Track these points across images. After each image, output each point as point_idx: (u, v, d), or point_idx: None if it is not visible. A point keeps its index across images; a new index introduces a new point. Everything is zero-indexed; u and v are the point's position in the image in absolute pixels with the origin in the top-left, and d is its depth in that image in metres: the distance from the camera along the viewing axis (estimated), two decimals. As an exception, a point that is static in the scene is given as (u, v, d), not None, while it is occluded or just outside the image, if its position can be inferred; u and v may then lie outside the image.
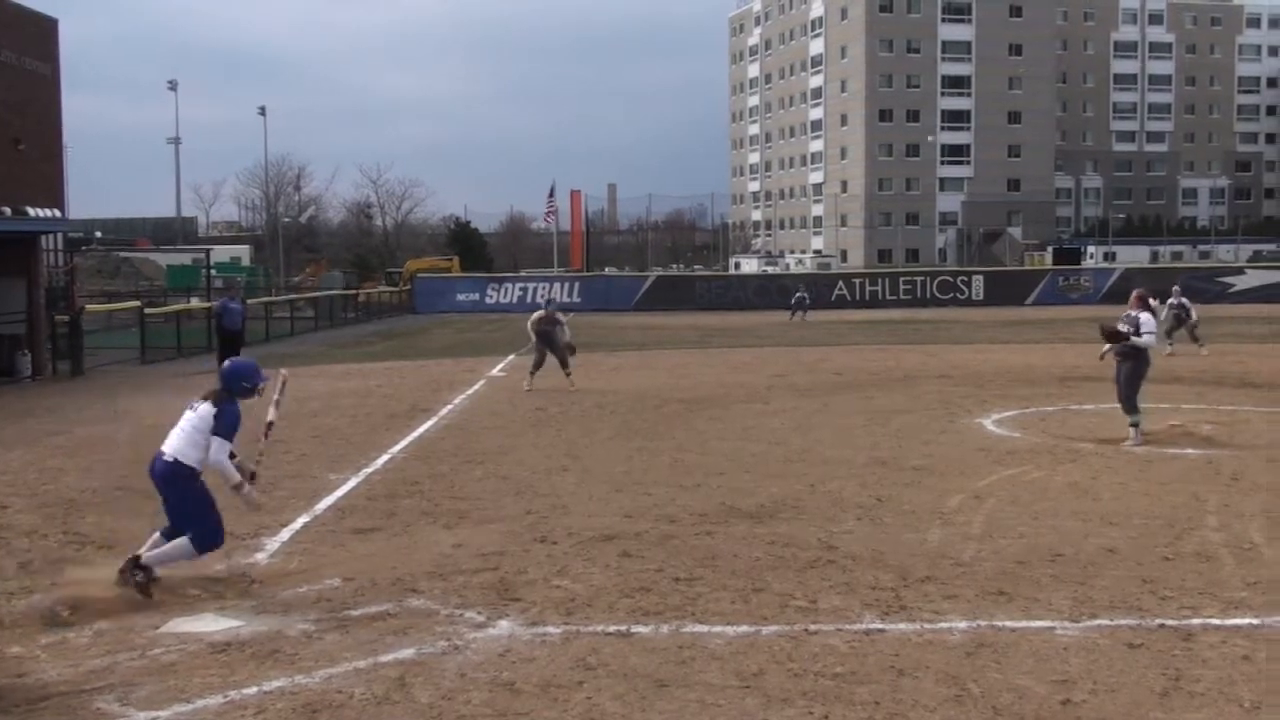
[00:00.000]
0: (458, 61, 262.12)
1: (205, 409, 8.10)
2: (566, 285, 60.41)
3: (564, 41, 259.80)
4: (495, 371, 26.05)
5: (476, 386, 22.59)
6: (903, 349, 31.44)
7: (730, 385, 22.16)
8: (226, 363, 8.54)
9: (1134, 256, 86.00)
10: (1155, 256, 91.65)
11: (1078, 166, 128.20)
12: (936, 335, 37.09)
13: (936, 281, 60.62)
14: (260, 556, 9.10)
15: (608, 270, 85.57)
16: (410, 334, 41.97)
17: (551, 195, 74.30)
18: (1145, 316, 14.64)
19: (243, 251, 73.26)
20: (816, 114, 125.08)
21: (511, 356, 29.77)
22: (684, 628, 7.18)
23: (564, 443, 15.18)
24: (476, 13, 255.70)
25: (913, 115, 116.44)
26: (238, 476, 8.16)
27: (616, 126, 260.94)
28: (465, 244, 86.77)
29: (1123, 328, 14.55)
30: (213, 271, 46.36)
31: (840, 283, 61.28)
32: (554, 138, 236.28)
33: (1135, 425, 14.34)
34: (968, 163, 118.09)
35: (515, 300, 59.29)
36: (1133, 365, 14.51)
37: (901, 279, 61.85)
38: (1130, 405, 14.45)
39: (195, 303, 37.36)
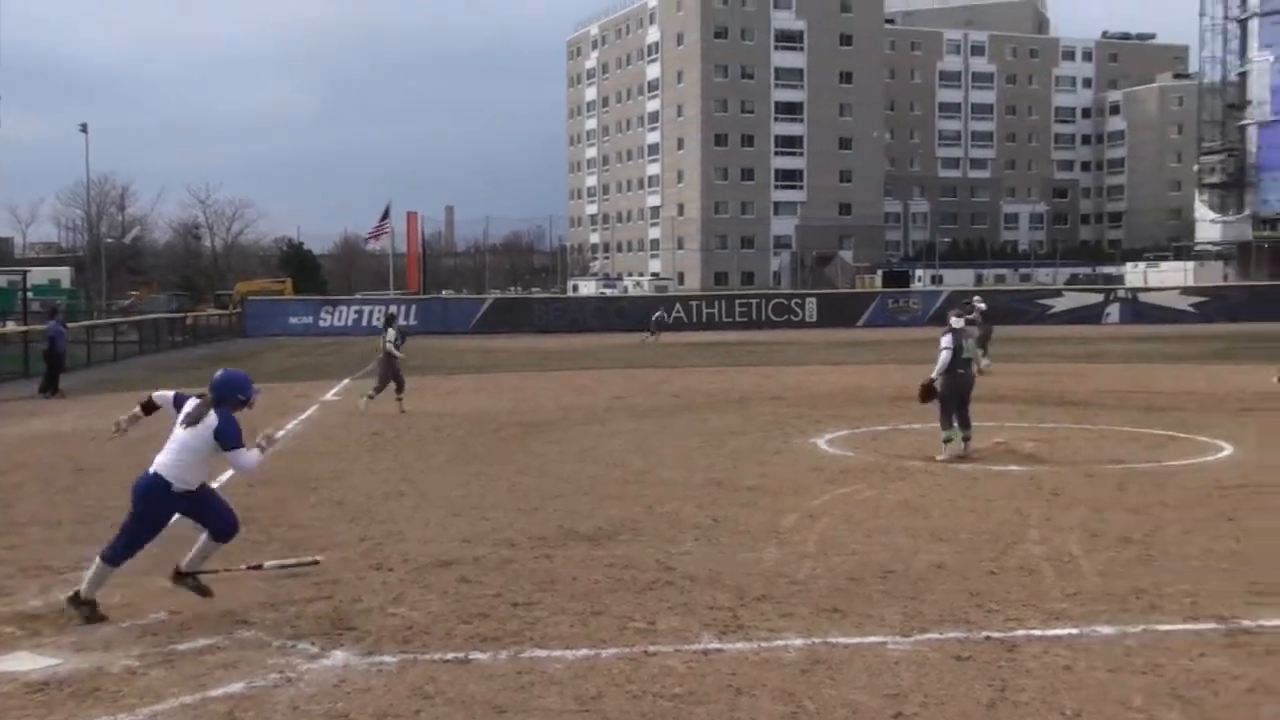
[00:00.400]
0: (291, 81, 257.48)
1: (201, 427, 7.85)
2: (403, 308, 59.69)
3: (402, 62, 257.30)
4: (329, 395, 25.57)
5: (310, 411, 22.14)
6: (739, 371, 31.85)
7: (569, 408, 22.16)
8: (219, 373, 8.22)
9: (959, 279, 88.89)
10: (979, 279, 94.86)
11: (906, 192, 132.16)
12: (771, 357, 37.70)
13: (771, 304, 61.71)
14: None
15: (445, 293, 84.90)
16: (241, 358, 40.92)
17: (385, 216, 73.34)
18: (945, 337, 15.17)
19: (63, 273, 70.50)
20: (653, 138, 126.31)
21: (347, 380, 29.27)
22: (523, 653, 7.12)
23: (400, 467, 14.99)
24: (311, 30, 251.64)
25: (747, 140, 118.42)
26: (262, 456, 8.13)
27: (455, 148, 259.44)
28: (298, 266, 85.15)
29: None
30: (29, 294, 44.50)
31: (678, 305, 61.87)
32: (391, 159, 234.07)
33: (946, 441, 14.82)
34: (801, 187, 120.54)
35: (350, 323, 58.39)
36: (943, 383, 15.01)
37: (737, 301, 62.78)
38: (943, 422, 14.94)
39: (12, 326, 35.84)
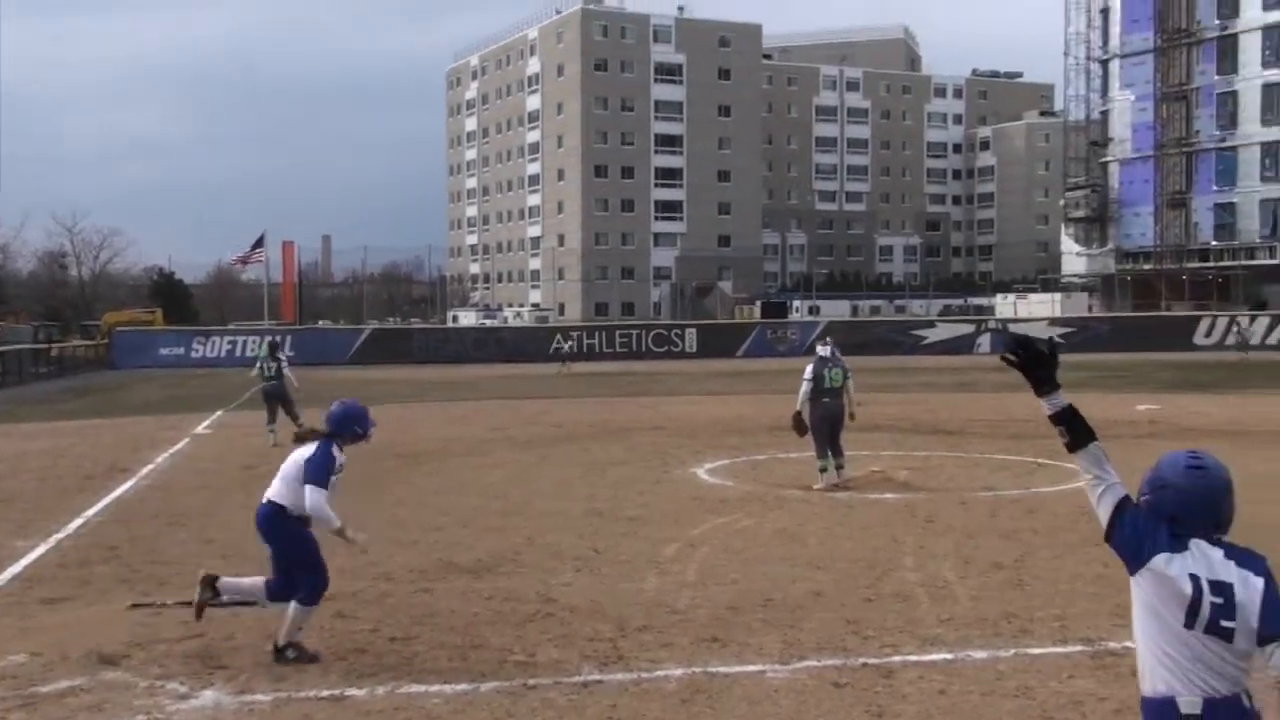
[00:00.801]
0: (163, 108, 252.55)
1: (300, 453, 7.69)
2: (279, 338, 58.61)
3: (278, 90, 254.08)
4: (201, 429, 25.03)
5: (181, 445, 21.66)
6: (620, 401, 31.91)
7: (448, 439, 21.99)
8: (335, 404, 8.04)
9: (836, 310, 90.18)
10: (855, 310, 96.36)
11: (783, 224, 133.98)
12: (652, 387, 37.85)
13: (651, 334, 62.00)
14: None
15: (321, 323, 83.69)
16: (108, 390, 39.88)
17: (259, 245, 72.13)
18: (807, 367, 15.43)
19: (-82, 303, 68.00)
20: (534, 169, 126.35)
21: (220, 413, 28.69)
22: (400, 688, 7.02)
23: (275, 501, 14.67)
24: (184, 55, 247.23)
25: (627, 172, 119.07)
26: (336, 520, 7.62)
27: (332, 178, 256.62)
28: (169, 296, 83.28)
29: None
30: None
31: (558, 336, 61.80)
32: (267, 188, 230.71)
33: (822, 471, 15.03)
34: (681, 219, 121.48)
35: (223, 354, 57.20)
36: (810, 413, 15.15)
37: (618, 332, 62.94)
38: (818, 452, 15.12)
39: None
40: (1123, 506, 3.69)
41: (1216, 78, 76.05)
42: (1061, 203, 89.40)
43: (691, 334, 62.20)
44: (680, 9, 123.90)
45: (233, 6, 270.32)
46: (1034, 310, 74.22)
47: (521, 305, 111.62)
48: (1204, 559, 3.52)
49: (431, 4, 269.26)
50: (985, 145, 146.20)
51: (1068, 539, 11.52)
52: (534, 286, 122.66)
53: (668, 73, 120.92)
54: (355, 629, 8.42)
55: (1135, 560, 3.58)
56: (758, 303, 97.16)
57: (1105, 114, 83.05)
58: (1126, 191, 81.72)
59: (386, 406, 31.27)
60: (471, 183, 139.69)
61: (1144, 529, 3.60)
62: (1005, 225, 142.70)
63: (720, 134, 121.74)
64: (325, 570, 7.83)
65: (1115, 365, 45.73)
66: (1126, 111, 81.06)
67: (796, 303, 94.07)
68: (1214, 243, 76.91)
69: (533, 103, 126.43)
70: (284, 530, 7.69)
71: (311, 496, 7.53)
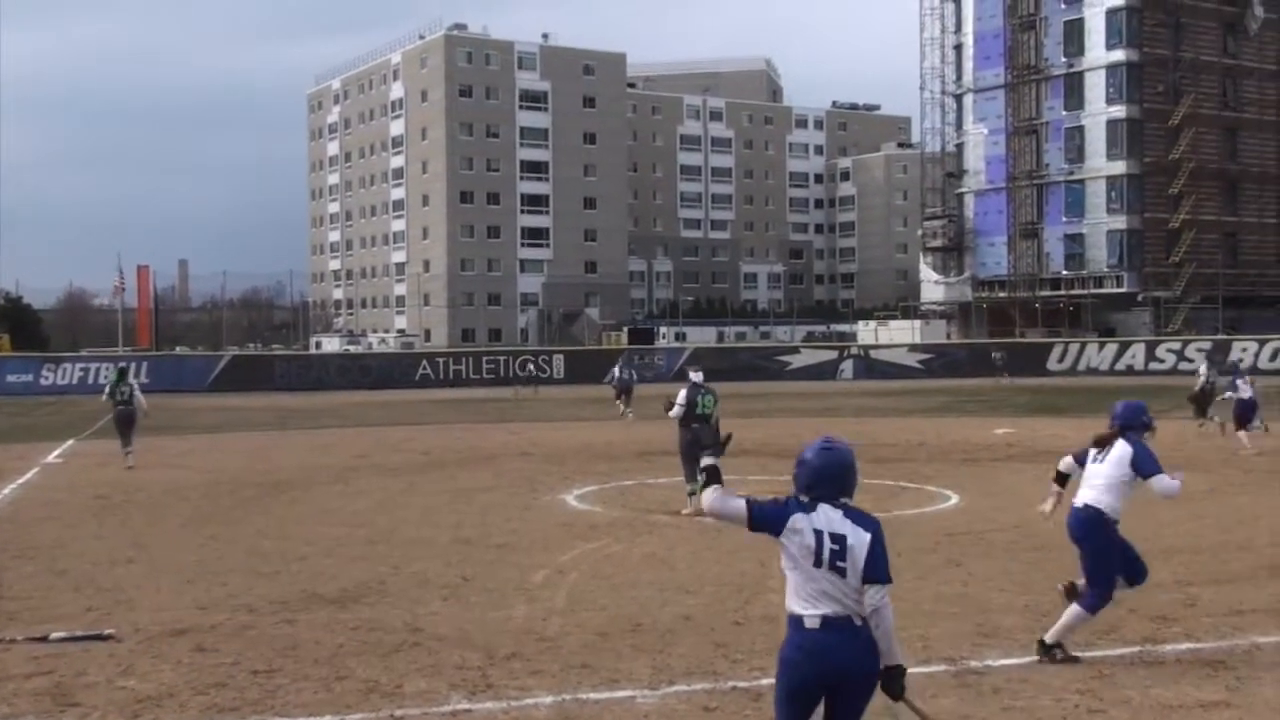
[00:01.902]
0: (9, 126, 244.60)
1: (1116, 454, 8.10)
2: (134, 365, 57.01)
3: (132, 108, 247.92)
4: (52, 458, 24.20)
5: (29, 475, 20.91)
6: (487, 427, 31.74)
7: (311, 467, 21.63)
8: (1118, 404, 8.53)
9: (702, 337, 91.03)
10: (721, 336, 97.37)
11: (649, 251, 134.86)
12: (519, 413, 37.72)
13: (519, 360, 61.74)
14: None
15: (178, 350, 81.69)
16: (-49, 419, 38.30)
17: (121, 271, 70.41)
18: (680, 393, 15.62)
19: None
20: (398, 194, 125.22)
21: (71, 441, 27.79)
22: (263, 723, 6.86)
23: (129, 532, 14.30)
24: (29, 70, 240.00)
25: (493, 198, 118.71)
26: (1178, 481, 8.19)
27: (189, 201, 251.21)
28: (16, 321, 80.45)
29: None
30: None
31: (424, 362, 61.23)
32: (120, 211, 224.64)
33: (691, 495, 15.06)
34: (547, 245, 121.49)
35: (75, 381, 55.39)
36: (680, 437, 15.51)
37: (485, 358, 62.56)
38: (686, 475, 15.20)
39: None
40: (751, 501, 4.98)
41: (1064, 113, 78.74)
42: (920, 232, 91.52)
43: (559, 360, 62.10)
44: (545, 36, 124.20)
45: (82, 26, 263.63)
46: (894, 337, 75.82)
47: (386, 331, 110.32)
48: (825, 517, 4.78)
49: (292, 25, 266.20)
50: (845, 176, 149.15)
51: (930, 560, 11.75)
52: (399, 312, 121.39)
53: (533, 99, 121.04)
54: (215, 662, 8.20)
55: (779, 526, 4.83)
56: (624, 329, 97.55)
57: (960, 146, 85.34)
58: (981, 221, 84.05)
59: (246, 434, 30.66)
60: (334, 207, 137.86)
61: (778, 506, 4.87)
62: (866, 253, 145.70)
63: (586, 161, 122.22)
64: (1113, 586, 8.15)
65: (972, 390, 46.92)
66: (980, 144, 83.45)
67: (663, 329, 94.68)
68: (1065, 272, 79.47)
69: (396, 127, 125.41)
70: (1098, 535, 8.09)
71: (1167, 485, 8.07)
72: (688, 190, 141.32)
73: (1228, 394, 24.08)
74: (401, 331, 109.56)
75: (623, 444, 25.40)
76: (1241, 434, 22.76)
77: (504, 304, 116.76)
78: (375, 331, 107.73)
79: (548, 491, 17.69)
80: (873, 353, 64.75)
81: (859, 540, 4.72)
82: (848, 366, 61.92)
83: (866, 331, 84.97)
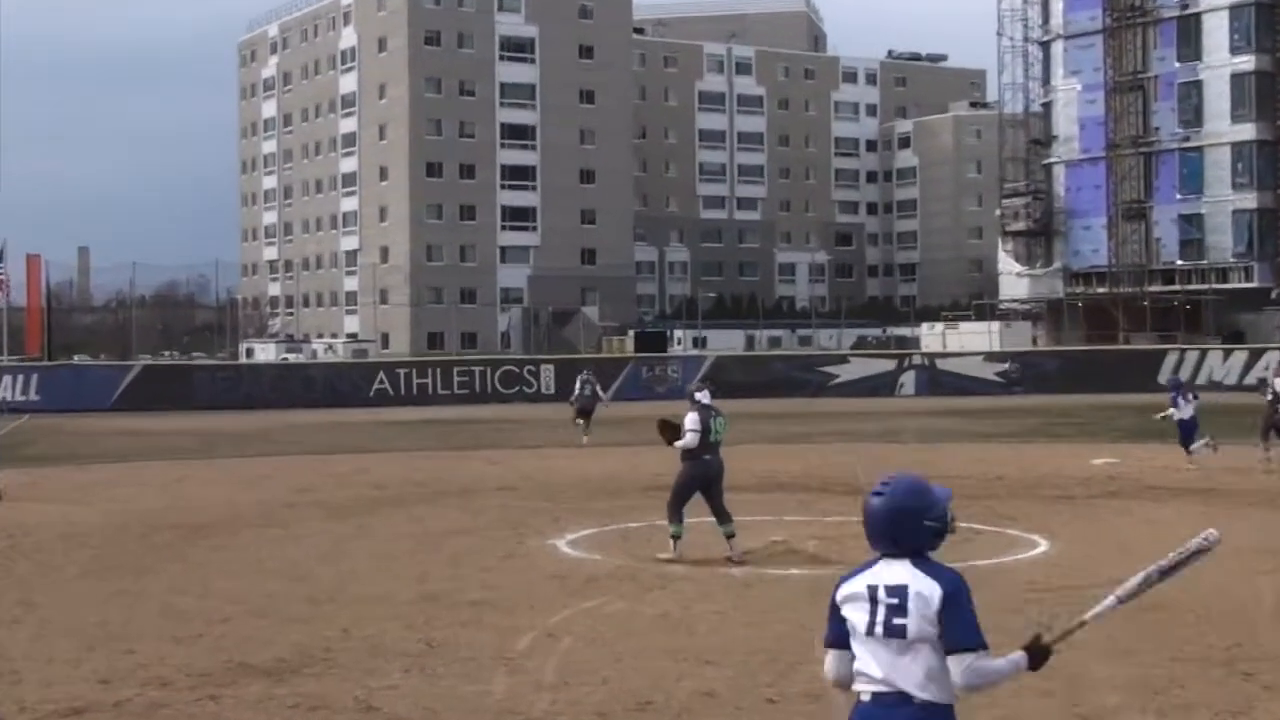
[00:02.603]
0: None
1: None
2: (20, 378, 57.16)
3: (22, 66, 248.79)
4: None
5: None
6: (459, 456, 31.74)
7: (241, 505, 21.66)
8: None
9: (727, 343, 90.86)
10: (751, 343, 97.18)
11: (661, 236, 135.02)
12: (500, 438, 37.72)
13: (499, 372, 61.72)
14: None
15: (77, 359, 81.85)
16: None
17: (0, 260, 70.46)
18: (690, 416, 15.60)
19: None
20: (349, 166, 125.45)
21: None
22: (178, 825, 6.85)
23: (15, 585, 14.35)
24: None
25: (467, 170, 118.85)
26: None
27: (93, 176, 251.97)
28: None
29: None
30: None
31: (381, 374, 61.23)
32: (5, 189, 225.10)
33: (675, 538, 15.37)
34: (534, 229, 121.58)
35: (-53, 397, 55.50)
36: (686, 470, 15.58)
37: (456, 369, 62.58)
38: (671, 514, 15.47)
39: None
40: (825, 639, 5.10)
41: (1177, 65, 78.56)
42: (998, 212, 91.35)
43: (549, 371, 62.00)
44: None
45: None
46: (966, 343, 75.66)
47: (334, 336, 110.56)
48: (885, 572, 4.85)
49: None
50: (905, 142, 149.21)
51: (1013, 624, 11.65)
52: (350, 312, 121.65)
53: (516, 49, 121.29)
54: (120, 750, 8.19)
55: (836, 612, 4.94)
56: (630, 333, 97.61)
57: (1047, 106, 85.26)
58: (1074, 200, 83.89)
59: (160, 464, 30.66)
60: (270, 182, 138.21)
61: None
62: (930, 239, 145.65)
63: (582, 125, 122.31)
64: None
65: (1065, 409, 46.84)
66: (1072, 104, 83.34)
67: (678, 333, 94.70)
68: (1180, 262, 79.20)
69: (347, 84, 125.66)
70: None
71: None
72: (709, 161, 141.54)
73: (1170, 411, 26.60)
74: (353, 336, 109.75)
75: (627, 476, 25.37)
76: (1187, 457, 25.85)
77: (480, 302, 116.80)
78: (321, 336, 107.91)
79: (535, 535, 17.67)
80: (939, 363, 64.71)
81: (925, 593, 4.74)
82: (908, 380, 61.88)
83: (932, 336, 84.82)
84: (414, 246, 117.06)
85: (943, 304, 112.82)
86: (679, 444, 15.53)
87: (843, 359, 67.31)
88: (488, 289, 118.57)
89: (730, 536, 15.36)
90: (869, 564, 4.93)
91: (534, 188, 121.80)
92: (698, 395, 15.92)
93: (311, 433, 41.03)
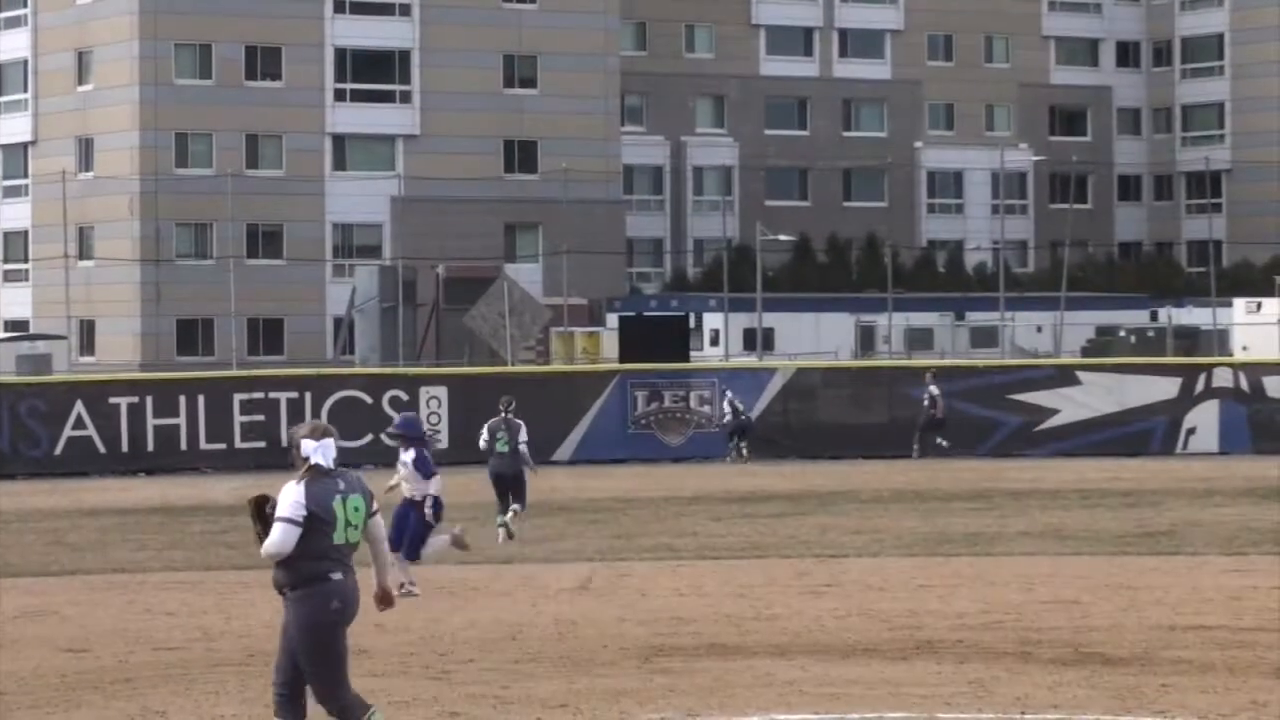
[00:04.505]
0: None
1: None
2: None
3: None
4: None
5: None
6: (235, 577, 31.88)
7: None
8: None
9: (828, 333, 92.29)
10: (870, 337, 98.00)
11: (679, 115, 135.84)
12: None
13: (332, 401, 62.38)
14: None
15: None
16: None
17: None
18: (289, 499, 15.39)
19: None
20: (14, 42, 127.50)
21: None
22: None
23: None
24: None
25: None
26: None
27: None
28: None
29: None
30: None
31: (79, 404, 61.64)
32: None
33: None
34: (404, 102, 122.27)
35: None
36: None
37: (239, 397, 63.19)
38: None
39: None
40: None
41: None
42: None
43: (437, 400, 62.66)
44: None
45: None
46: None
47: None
48: None
49: None
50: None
51: None
52: (11, 278, 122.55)
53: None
54: None
55: None
56: (613, 318, 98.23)
57: None
58: None
59: None
60: None
61: None
62: (1244, 153, 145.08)
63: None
64: None
65: None
66: None
67: (712, 316, 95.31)
68: None
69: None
70: None
71: None
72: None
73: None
74: (22, 330, 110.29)
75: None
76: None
77: (288, 257, 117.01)
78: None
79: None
80: (1269, 380, 64.00)
81: None
82: (1206, 415, 61.58)
83: (1251, 328, 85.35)
84: (141, 162, 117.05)
85: (1256, 269, 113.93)
86: (265, 547, 14.87)
87: (1069, 374, 66.63)
88: (307, 229, 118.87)
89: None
90: None
91: (407, 14, 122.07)
92: (313, 451, 14.87)
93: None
